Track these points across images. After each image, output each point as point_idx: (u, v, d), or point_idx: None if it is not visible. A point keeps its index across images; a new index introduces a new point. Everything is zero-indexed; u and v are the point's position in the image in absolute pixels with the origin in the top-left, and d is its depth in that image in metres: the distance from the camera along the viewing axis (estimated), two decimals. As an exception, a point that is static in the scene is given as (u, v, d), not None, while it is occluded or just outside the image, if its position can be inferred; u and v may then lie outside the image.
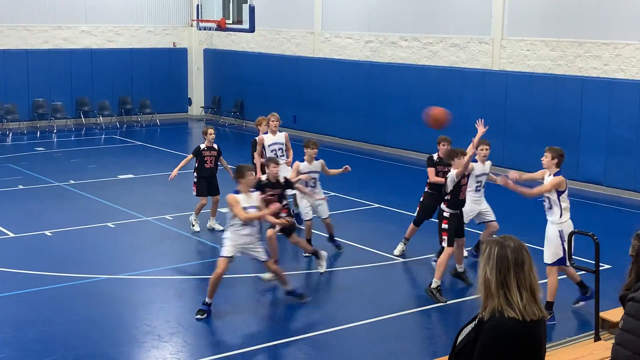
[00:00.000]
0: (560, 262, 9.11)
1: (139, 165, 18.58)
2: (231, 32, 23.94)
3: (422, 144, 20.35)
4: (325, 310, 9.80)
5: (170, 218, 13.96)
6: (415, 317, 9.75)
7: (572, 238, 8.22)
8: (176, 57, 27.61)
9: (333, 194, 15.93)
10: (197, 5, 17.73)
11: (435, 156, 11.70)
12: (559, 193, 9.20)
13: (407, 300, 10.30)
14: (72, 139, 23.51)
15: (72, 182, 16.29)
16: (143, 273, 11.10)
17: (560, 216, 9.18)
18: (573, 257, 8.37)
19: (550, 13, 17.70)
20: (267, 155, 12.64)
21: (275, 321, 9.60)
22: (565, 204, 9.24)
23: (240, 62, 26.28)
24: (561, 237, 9.04)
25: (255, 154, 13.12)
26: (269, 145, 13.04)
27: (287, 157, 13.08)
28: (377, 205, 15.12)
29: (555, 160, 9.38)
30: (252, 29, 16.14)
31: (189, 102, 28.11)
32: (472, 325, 3.76)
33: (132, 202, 14.79)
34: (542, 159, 9.54)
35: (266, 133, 13.21)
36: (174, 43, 27.56)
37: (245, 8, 15.99)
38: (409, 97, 20.59)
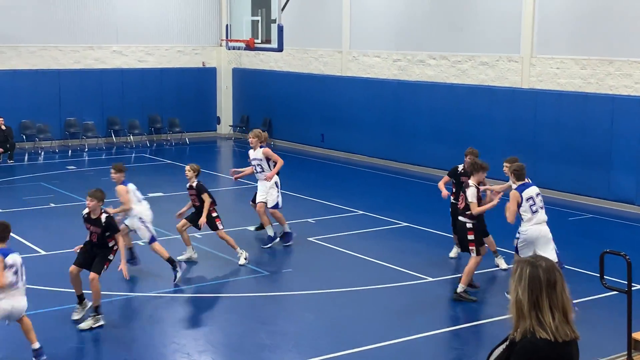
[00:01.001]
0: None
1: (169, 184, 18.69)
2: (260, 52, 24.10)
3: (449, 162, 20.19)
4: (352, 330, 9.75)
5: (199, 236, 14.00)
6: (444, 337, 9.67)
7: (604, 258, 8.12)
8: (205, 77, 27.82)
9: (361, 212, 15.92)
10: (227, 25, 17.86)
11: (460, 167, 12.28)
12: (518, 206, 10.17)
13: (436, 319, 10.22)
14: (103, 157, 23.73)
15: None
16: (172, 291, 11.14)
17: (527, 222, 10.21)
18: (605, 277, 8.27)
19: (580, 31, 17.60)
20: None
21: (303, 340, 9.57)
22: (527, 214, 10.20)
23: (269, 81, 26.43)
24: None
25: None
26: (249, 161, 13.71)
27: (272, 169, 13.44)
28: (405, 224, 15.07)
29: (511, 174, 10.34)
30: (280, 49, 16.19)
31: (218, 120, 28.29)
32: (503, 346, 3.73)
33: (162, 220, 14.85)
34: (504, 169, 10.84)
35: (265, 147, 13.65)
36: (203, 62, 27.79)
37: (274, 28, 16.06)
38: (437, 116, 20.55)
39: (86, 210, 9.95)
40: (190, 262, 12.38)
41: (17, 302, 8.38)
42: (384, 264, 12.48)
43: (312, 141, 24.72)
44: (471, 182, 10.71)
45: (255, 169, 13.51)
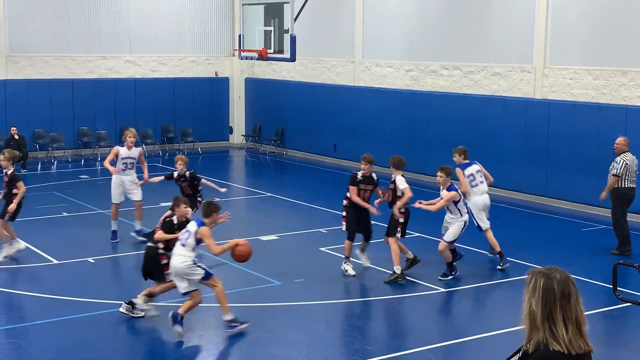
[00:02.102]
0: (452, 243, 11.96)
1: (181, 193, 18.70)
2: (272, 62, 24.16)
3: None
4: (364, 341, 9.72)
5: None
6: (456, 348, 9.62)
7: (617, 269, 8.06)
8: (218, 86, 27.90)
9: (373, 222, 15.88)
10: (239, 36, 17.91)
11: (359, 174, 12.36)
12: (455, 203, 11.69)
13: (448, 330, 10.17)
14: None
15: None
16: (184, 300, 11.12)
17: (461, 215, 11.82)
18: (619, 288, 8.20)
19: (594, 41, 17.55)
20: (119, 167, 14.20)
21: (315, 350, 9.54)
22: (463, 207, 11.89)
23: (281, 91, 26.47)
24: (464, 227, 11.86)
25: (106, 161, 14.31)
26: (122, 158, 14.22)
27: (143, 172, 14.49)
28: (417, 234, 15.03)
29: (449, 178, 11.70)
30: (293, 59, 16.22)
31: (230, 130, 28.35)
32: (516, 357, 3.70)
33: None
34: (437, 179, 11.86)
35: (122, 146, 14.33)
36: (216, 72, 27.88)
37: (287, 38, 16.09)
38: (449, 126, 20.51)
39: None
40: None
41: None
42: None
43: (325, 151, 24.73)
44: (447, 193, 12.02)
45: (127, 166, 14.39)
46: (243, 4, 18.24)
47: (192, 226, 9.71)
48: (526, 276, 3.72)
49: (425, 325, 10.40)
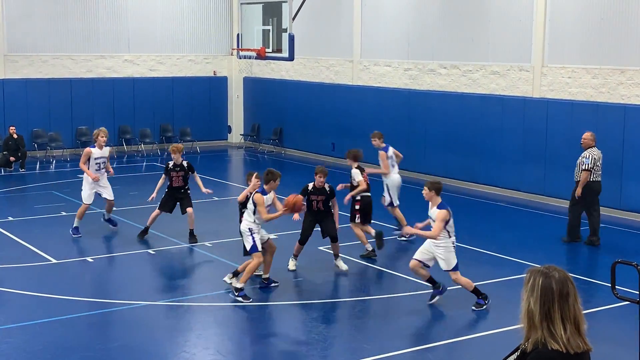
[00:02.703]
0: (457, 268, 10.57)
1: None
2: (271, 61, 24.14)
3: (461, 171, 20.26)
4: (364, 339, 9.72)
5: (209, 245, 14.02)
6: (457, 347, 9.62)
7: (615, 268, 8.06)
8: (216, 86, 27.89)
9: (372, 222, 15.88)
10: (238, 35, 17.89)
11: (310, 185, 12.53)
12: (446, 223, 10.32)
13: (448, 329, 10.17)
14: (114, 166, 23.68)
15: (114, 208, 16.46)
16: (182, 300, 11.14)
17: (450, 236, 10.45)
18: (617, 287, 8.21)
19: (592, 40, 17.55)
20: (92, 168, 14.43)
21: (314, 349, 9.54)
22: (451, 228, 10.50)
23: (280, 90, 26.47)
24: (454, 247, 10.60)
25: (80, 163, 14.54)
26: (95, 159, 14.44)
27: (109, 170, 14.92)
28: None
29: (433, 192, 10.51)
30: (291, 58, 16.20)
31: (229, 129, 28.34)
32: (514, 356, 3.70)
33: (172, 229, 14.89)
34: (423, 192, 10.70)
35: (93, 147, 14.56)
36: (214, 71, 27.87)
37: (285, 37, 16.07)
38: (448, 125, 20.52)
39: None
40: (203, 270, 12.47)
41: None
42: (395, 273, 12.44)
43: (323, 150, 24.73)
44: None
45: (99, 166, 14.65)
46: (241, 3, 18.22)
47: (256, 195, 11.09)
48: (525, 275, 3.72)
49: (424, 324, 10.40)
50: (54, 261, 13.00)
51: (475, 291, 10.63)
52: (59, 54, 25.06)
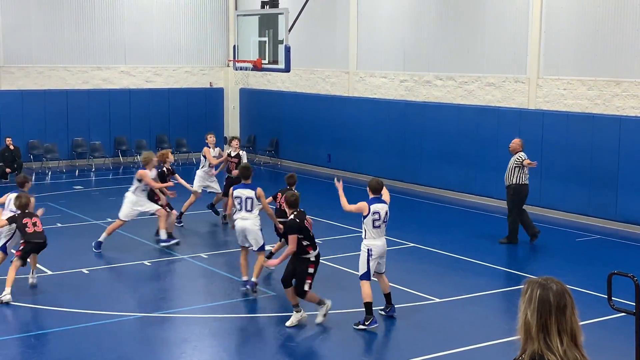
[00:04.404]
0: (364, 277, 10.33)
1: (175, 204, 18.67)
2: (267, 72, 24.19)
3: (456, 183, 20.28)
4: (361, 351, 9.71)
5: (205, 256, 14.01)
6: (452, 358, 9.60)
7: (612, 279, 8.07)
8: (213, 97, 27.93)
9: (368, 233, 15.88)
10: (234, 46, 17.93)
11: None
12: (363, 217, 10.41)
13: (442, 340, 10.16)
14: (110, 177, 23.78)
15: (110, 220, 16.44)
16: (178, 311, 11.11)
17: (365, 237, 10.37)
18: (613, 298, 8.22)
19: (587, 52, 17.62)
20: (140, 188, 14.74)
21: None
22: (369, 227, 10.35)
23: (276, 102, 26.50)
24: (368, 254, 10.29)
25: (156, 184, 14.84)
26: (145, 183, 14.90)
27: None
28: (412, 245, 15.04)
29: (370, 191, 10.57)
30: (287, 69, 16.23)
31: (225, 140, 28.34)
32: (511, 368, 3.70)
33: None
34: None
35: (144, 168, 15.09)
36: (210, 83, 27.91)
37: (281, 48, 16.11)
38: (443, 136, 20.55)
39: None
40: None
41: None
42: (391, 284, 12.41)
43: (319, 161, 24.75)
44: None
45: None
46: (238, 15, 18.27)
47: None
48: (522, 286, 3.72)
49: (421, 335, 10.39)
50: (50, 273, 12.97)
51: (368, 306, 10.35)
52: (55, 65, 25.09)
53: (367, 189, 10.65)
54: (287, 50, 15.84)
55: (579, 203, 17.51)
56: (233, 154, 16.65)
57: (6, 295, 11.12)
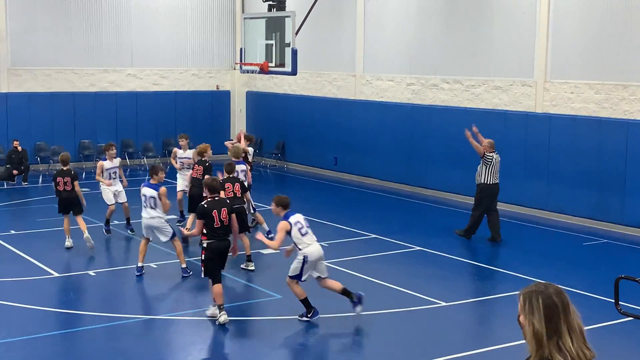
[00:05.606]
0: (296, 277, 10.58)
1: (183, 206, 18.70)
2: (273, 75, 24.21)
3: (463, 186, 20.23)
4: (364, 355, 9.69)
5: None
6: (457, 363, 9.59)
7: (619, 283, 8.04)
8: (219, 100, 27.95)
9: (374, 236, 15.89)
10: (241, 49, 17.94)
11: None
12: (289, 234, 10.57)
13: (449, 345, 10.14)
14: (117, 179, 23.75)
15: (116, 222, 16.46)
16: (184, 314, 11.11)
17: (300, 248, 10.51)
18: (620, 302, 8.18)
19: (594, 55, 17.58)
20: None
21: (316, 365, 9.52)
22: (299, 238, 10.54)
23: (282, 105, 26.52)
24: (304, 261, 10.46)
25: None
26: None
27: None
28: (419, 248, 15.01)
29: (280, 208, 10.79)
30: (294, 72, 16.23)
31: (231, 143, 28.36)
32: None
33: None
34: (271, 208, 11.00)
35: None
36: (217, 86, 27.93)
37: (288, 51, 16.11)
38: (450, 140, 20.51)
39: None
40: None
41: None
42: (397, 288, 12.41)
43: (325, 164, 24.74)
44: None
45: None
46: (244, 18, 18.28)
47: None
48: (519, 298, 3.66)
49: (425, 339, 10.36)
50: (56, 275, 12.99)
51: (305, 302, 10.67)
52: (62, 68, 25.14)
53: (276, 207, 10.77)
54: (294, 53, 15.85)
55: (586, 207, 17.46)
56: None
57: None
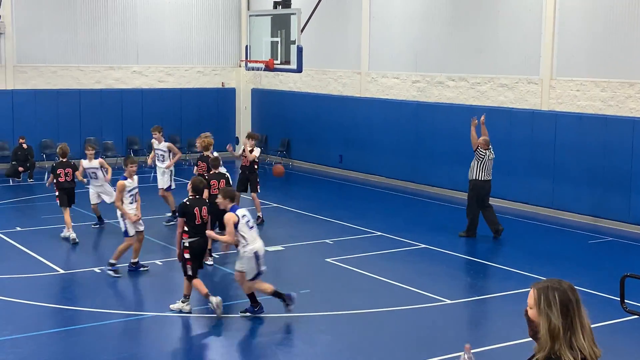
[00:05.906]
0: (256, 277, 10.56)
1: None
2: (279, 72, 24.20)
3: (468, 184, 20.20)
4: (369, 353, 9.68)
5: (217, 255, 14.02)
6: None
7: (625, 282, 8.03)
8: (225, 97, 27.96)
9: (379, 233, 15.88)
10: (246, 46, 17.95)
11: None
12: (235, 226, 10.43)
13: (455, 342, 10.12)
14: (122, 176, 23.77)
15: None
16: (186, 311, 11.10)
17: (247, 242, 10.43)
18: (626, 300, 8.17)
19: (600, 53, 17.53)
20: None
21: (321, 362, 9.52)
22: (246, 231, 10.47)
23: (288, 102, 26.51)
24: (256, 257, 10.45)
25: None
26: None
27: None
28: (424, 246, 15.00)
29: (227, 200, 10.60)
30: (299, 69, 16.24)
31: (237, 141, 28.36)
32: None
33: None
34: (217, 200, 10.78)
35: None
36: (222, 83, 27.94)
37: (293, 49, 16.12)
38: (455, 137, 20.47)
39: None
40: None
41: None
42: (402, 285, 12.40)
43: (331, 162, 24.74)
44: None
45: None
46: (250, 15, 18.29)
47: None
48: (533, 294, 3.63)
49: (430, 337, 10.36)
50: (62, 271, 13.01)
51: (252, 297, 10.73)
52: (68, 65, 25.18)
53: (224, 200, 10.56)
54: (299, 50, 15.85)
55: (592, 205, 17.43)
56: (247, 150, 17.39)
57: None
